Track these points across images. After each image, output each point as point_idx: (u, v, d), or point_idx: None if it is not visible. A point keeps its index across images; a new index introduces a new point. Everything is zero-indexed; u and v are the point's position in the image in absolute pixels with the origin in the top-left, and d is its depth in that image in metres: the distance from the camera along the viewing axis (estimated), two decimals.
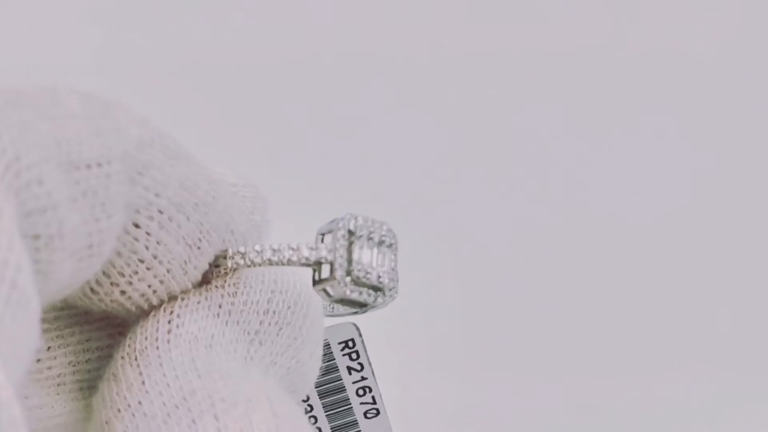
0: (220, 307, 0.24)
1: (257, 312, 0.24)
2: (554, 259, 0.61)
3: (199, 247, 0.23)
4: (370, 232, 0.24)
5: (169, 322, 0.23)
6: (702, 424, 0.59)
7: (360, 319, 0.27)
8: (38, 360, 0.24)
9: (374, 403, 0.28)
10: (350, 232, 0.24)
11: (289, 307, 0.24)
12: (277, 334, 0.24)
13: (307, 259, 0.24)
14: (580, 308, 0.61)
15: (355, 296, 0.24)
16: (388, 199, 0.59)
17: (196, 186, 0.23)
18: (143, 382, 0.22)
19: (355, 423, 0.28)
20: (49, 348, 0.24)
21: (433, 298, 0.58)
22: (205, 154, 0.24)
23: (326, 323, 0.26)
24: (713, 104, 0.62)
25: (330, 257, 0.24)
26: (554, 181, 0.61)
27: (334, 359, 0.27)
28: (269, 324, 0.24)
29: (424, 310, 0.57)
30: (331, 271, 0.24)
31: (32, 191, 0.20)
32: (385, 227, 0.25)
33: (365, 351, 0.27)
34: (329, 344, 0.27)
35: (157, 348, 0.23)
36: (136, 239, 0.23)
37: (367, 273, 0.24)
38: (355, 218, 0.24)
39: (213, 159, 0.24)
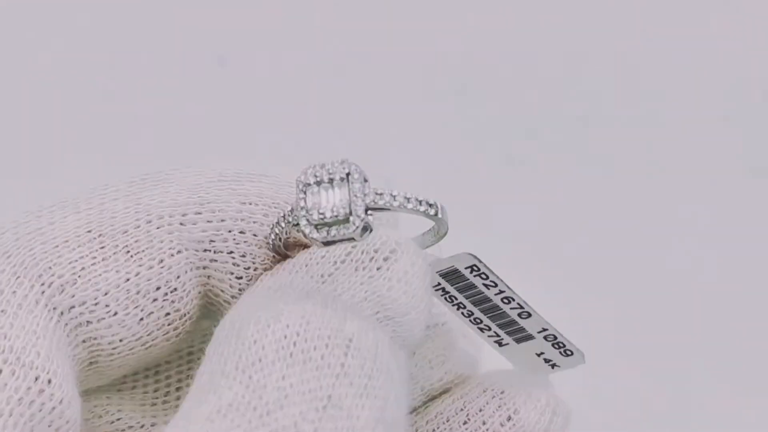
0: (294, 264, 0.28)
1: (334, 261, 0.27)
2: None
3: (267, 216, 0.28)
4: (317, 176, 0.27)
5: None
6: None
7: None
8: None
9: (522, 308, 0.30)
10: (305, 184, 0.27)
11: (365, 253, 0.27)
12: (353, 273, 0.27)
13: (290, 221, 0.27)
14: None
15: (324, 236, 0.26)
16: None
17: (260, 196, 0.28)
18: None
19: (514, 322, 0.30)
20: None
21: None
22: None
23: (446, 254, 0.29)
24: None
25: (296, 213, 0.27)
26: None
27: (468, 279, 0.29)
28: (346, 268, 0.27)
29: None
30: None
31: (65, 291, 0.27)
32: (333, 164, 0.27)
33: (492, 272, 0.29)
34: (457, 270, 0.29)
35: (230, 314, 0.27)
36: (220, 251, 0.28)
37: (321, 214, 0.26)
38: (305, 170, 0.27)
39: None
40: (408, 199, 0.27)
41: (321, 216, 0.26)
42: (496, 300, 0.30)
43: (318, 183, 0.27)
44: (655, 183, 0.61)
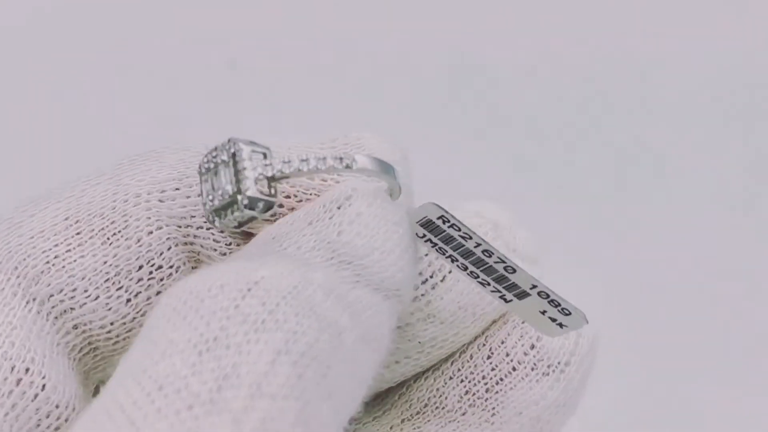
0: (259, 235, 0.26)
1: (291, 221, 0.26)
2: None
3: None
4: (206, 163, 0.26)
5: None
6: None
7: None
8: None
9: (504, 262, 0.28)
10: (201, 173, 0.26)
11: (322, 206, 0.26)
12: (306, 227, 0.26)
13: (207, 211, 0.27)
14: None
15: (225, 222, 0.26)
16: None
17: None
18: None
19: (504, 277, 0.28)
20: None
21: None
22: None
23: (416, 205, 0.28)
24: None
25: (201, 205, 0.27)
26: None
27: (445, 231, 0.28)
28: (299, 224, 0.26)
29: None
30: None
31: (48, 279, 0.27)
32: (220, 147, 0.26)
33: (462, 223, 0.27)
34: (431, 220, 0.27)
35: None
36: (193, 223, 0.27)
37: (212, 200, 0.26)
38: (202, 158, 0.26)
39: None
40: (305, 161, 0.26)
41: (211, 203, 0.26)
42: (478, 252, 0.28)
43: (208, 170, 0.26)
44: (658, 183, 0.61)
